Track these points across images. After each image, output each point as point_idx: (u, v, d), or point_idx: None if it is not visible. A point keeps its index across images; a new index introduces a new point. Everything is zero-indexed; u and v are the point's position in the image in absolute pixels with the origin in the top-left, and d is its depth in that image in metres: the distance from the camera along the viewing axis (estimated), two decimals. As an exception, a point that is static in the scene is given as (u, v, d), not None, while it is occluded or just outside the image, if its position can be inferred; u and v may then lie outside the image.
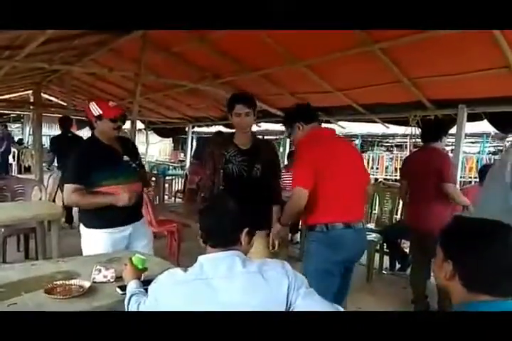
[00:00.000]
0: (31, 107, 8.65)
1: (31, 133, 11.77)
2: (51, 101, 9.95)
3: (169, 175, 8.93)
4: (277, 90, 4.83)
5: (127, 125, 5.11)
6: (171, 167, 10.12)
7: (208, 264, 1.21)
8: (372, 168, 11.28)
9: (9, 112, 12.95)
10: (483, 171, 3.64)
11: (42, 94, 8.57)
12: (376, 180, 9.07)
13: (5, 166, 11.10)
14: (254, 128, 7.16)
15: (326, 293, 2.14)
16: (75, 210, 5.80)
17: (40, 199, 4.12)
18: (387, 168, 11.93)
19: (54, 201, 4.68)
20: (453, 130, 4.03)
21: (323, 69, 4.02)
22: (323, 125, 2.85)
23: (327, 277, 2.16)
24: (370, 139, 12.79)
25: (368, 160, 11.32)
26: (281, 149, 6.48)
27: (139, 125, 8.15)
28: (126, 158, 2.38)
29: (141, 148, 4.52)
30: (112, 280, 1.72)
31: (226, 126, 7.77)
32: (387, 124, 5.21)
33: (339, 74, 4.12)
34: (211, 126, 8.37)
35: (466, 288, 1.00)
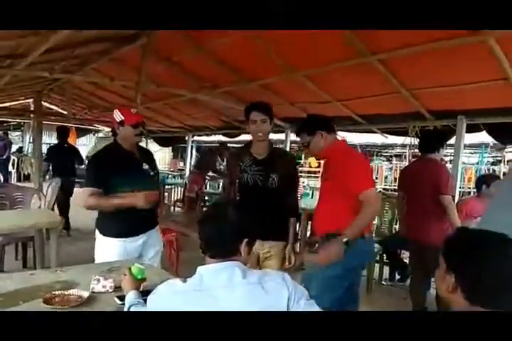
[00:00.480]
0: (32, 115, 8.67)
1: (31, 141, 11.77)
2: (52, 109, 9.99)
3: (168, 184, 8.93)
4: (276, 100, 4.85)
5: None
6: (170, 176, 10.12)
7: (208, 275, 1.20)
8: (371, 177, 11.26)
9: (10, 120, 12.97)
10: (481, 181, 3.66)
11: (42, 102, 8.61)
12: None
13: (5, 174, 11.13)
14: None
15: (340, 299, 2.14)
16: (72, 215, 5.81)
17: (40, 207, 4.11)
18: (386, 177, 11.95)
19: (53, 209, 4.67)
20: (452, 141, 4.05)
21: (322, 80, 4.05)
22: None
23: (339, 284, 2.16)
24: (369, 149, 12.83)
25: (367, 170, 11.30)
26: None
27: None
28: (145, 166, 2.44)
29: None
30: (110, 290, 1.71)
31: (225, 135, 7.79)
32: (386, 135, 5.23)
33: (338, 85, 4.15)
34: (211, 135, 8.40)
35: (468, 300, 0.99)
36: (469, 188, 8.81)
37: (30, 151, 12.87)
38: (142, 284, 1.64)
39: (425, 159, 3.23)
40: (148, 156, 2.55)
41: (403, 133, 4.55)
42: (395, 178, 10.93)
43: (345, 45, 3.14)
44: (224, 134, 7.85)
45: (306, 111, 4.85)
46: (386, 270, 4.31)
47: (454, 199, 3.55)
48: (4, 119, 12.02)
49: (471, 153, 10.87)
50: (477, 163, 10.45)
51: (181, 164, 12.70)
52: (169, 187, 8.93)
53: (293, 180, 2.53)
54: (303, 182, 8.48)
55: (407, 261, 4.20)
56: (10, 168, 12.15)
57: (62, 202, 5.56)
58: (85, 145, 13.30)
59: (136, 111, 2.45)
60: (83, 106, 8.96)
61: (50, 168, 5.92)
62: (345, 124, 5.09)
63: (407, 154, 10.80)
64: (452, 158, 4.51)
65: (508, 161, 10.97)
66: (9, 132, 14.12)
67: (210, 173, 7.32)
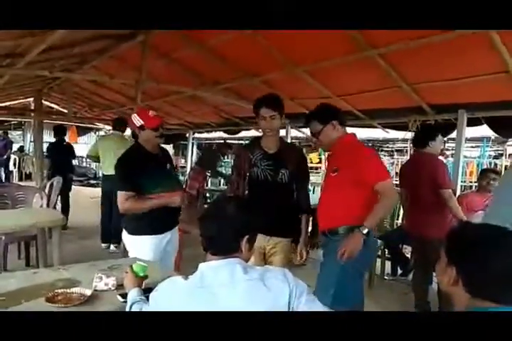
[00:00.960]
0: (32, 114, 8.67)
1: (32, 140, 11.78)
2: (52, 108, 10.00)
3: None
4: (277, 96, 4.84)
5: (128, 131, 5.16)
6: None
7: (209, 272, 1.20)
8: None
9: (10, 119, 12.99)
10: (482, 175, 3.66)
11: (43, 101, 8.61)
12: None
13: (7, 173, 11.17)
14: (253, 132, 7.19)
15: (347, 292, 2.13)
16: (74, 214, 5.83)
17: (41, 206, 4.12)
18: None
19: (55, 208, 4.68)
20: (453, 134, 4.04)
21: (323, 75, 4.04)
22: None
23: (351, 276, 2.15)
24: (370, 144, 12.80)
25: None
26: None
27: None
28: (168, 165, 2.53)
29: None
30: (113, 288, 1.71)
31: (226, 132, 7.79)
32: (387, 129, 5.22)
33: (338, 80, 4.13)
34: (211, 132, 8.39)
35: (469, 293, 0.99)
36: (471, 182, 8.79)
37: (32, 150, 12.90)
38: (144, 282, 1.65)
39: (420, 154, 3.22)
40: (168, 156, 2.63)
41: (404, 127, 4.54)
42: (397, 173, 10.92)
43: (346, 40, 3.12)
44: (224, 131, 7.83)
45: (306, 107, 4.84)
46: (388, 265, 4.31)
47: (455, 193, 3.55)
48: (5, 119, 12.03)
49: (472, 146, 10.84)
50: (479, 157, 10.41)
51: (182, 161, 12.69)
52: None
53: (303, 175, 2.50)
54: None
55: (408, 255, 4.21)
56: (11, 167, 12.17)
57: (62, 198, 5.66)
58: (86, 144, 13.30)
59: (154, 113, 2.43)
60: (83, 104, 8.96)
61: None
62: (346, 119, 5.07)
63: (408, 149, 10.78)
64: (454, 151, 4.50)
65: (509, 155, 10.95)
66: (10, 131, 14.15)
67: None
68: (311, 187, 6.89)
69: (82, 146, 13.72)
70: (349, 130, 2.43)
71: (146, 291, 1.46)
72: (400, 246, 4.31)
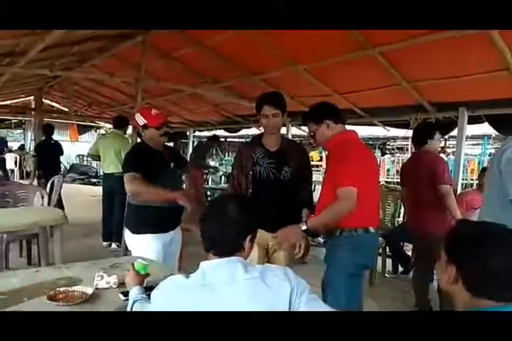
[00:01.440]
0: (33, 113, 8.68)
1: (33, 138, 11.78)
2: (52, 106, 10.00)
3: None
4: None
5: (129, 130, 5.17)
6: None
7: (210, 271, 1.20)
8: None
9: (11, 118, 12.99)
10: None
11: (43, 99, 8.62)
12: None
13: (5, 172, 11.18)
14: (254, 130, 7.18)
15: (356, 296, 2.16)
16: (74, 211, 5.83)
17: (42, 204, 4.12)
18: (388, 170, 11.92)
19: (55, 206, 4.69)
20: (454, 132, 4.04)
21: (323, 73, 4.04)
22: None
23: (357, 280, 2.16)
24: (371, 142, 12.79)
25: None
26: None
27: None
28: (172, 165, 2.50)
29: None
30: (114, 286, 1.72)
31: (226, 130, 7.79)
32: (387, 127, 5.22)
33: (339, 78, 4.13)
34: (212, 130, 8.39)
35: (469, 292, 0.99)
36: (472, 180, 8.79)
37: (32, 149, 12.91)
38: (145, 279, 1.65)
39: (419, 152, 3.23)
40: (174, 154, 2.61)
41: (405, 125, 4.54)
42: (397, 171, 10.92)
43: (346, 38, 3.12)
44: (225, 129, 7.84)
45: (306, 105, 4.84)
46: (389, 262, 4.31)
47: (456, 191, 3.55)
48: (6, 117, 12.03)
49: (473, 144, 10.84)
50: (480, 155, 10.41)
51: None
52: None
53: (306, 171, 2.48)
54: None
55: (409, 253, 4.21)
56: (12, 165, 12.18)
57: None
58: (87, 142, 13.29)
59: (157, 112, 2.42)
60: (84, 102, 8.96)
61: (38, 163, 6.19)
62: (347, 117, 5.07)
63: (409, 147, 10.77)
64: (455, 149, 4.50)
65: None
66: (11, 130, 14.16)
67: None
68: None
69: (83, 144, 13.73)
70: (349, 128, 2.40)
71: (148, 289, 1.46)
72: (401, 244, 4.32)
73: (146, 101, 6.56)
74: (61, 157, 6.32)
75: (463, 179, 6.66)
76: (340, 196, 1.99)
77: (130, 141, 4.80)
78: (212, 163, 8.22)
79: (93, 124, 11.99)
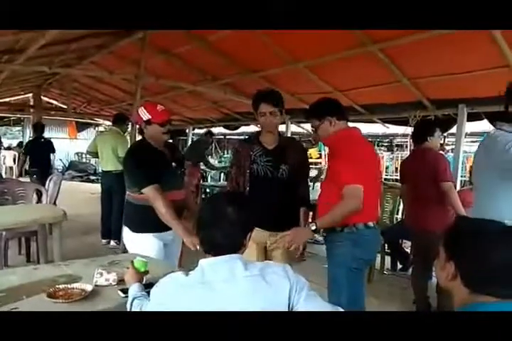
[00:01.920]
0: (31, 110, 8.66)
1: (31, 136, 11.77)
2: (51, 104, 9.98)
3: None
4: (277, 91, 4.83)
5: (128, 128, 5.16)
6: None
7: (210, 268, 1.20)
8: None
9: (10, 115, 12.96)
10: None
11: (42, 97, 8.60)
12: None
13: None
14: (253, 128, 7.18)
15: (359, 292, 2.16)
16: (73, 209, 5.83)
17: (40, 202, 4.12)
18: (387, 168, 11.91)
19: (55, 204, 4.68)
20: (453, 129, 4.03)
21: (323, 70, 4.03)
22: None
23: (359, 275, 2.17)
24: (370, 139, 12.77)
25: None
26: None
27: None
28: (174, 164, 2.40)
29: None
30: (114, 283, 1.71)
31: (226, 127, 7.78)
32: (387, 124, 5.22)
33: (339, 75, 4.12)
34: (211, 127, 8.38)
35: (468, 289, 1.00)
36: (470, 177, 8.77)
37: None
38: (145, 277, 1.65)
39: (420, 149, 3.22)
40: (175, 153, 2.52)
41: (404, 122, 4.54)
42: (396, 168, 10.92)
43: (346, 35, 3.11)
44: (224, 126, 7.83)
45: (306, 102, 4.83)
46: (388, 259, 4.32)
47: (455, 187, 3.55)
48: (4, 115, 12.00)
49: (472, 141, 10.82)
50: (479, 152, 10.39)
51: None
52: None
53: (303, 169, 2.46)
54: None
55: (408, 250, 4.22)
56: (11, 163, 12.17)
57: None
58: (86, 140, 13.27)
59: (162, 107, 2.32)
60: (83, 100, 8.95)
61: (28, 161, 6.25)
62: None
63: (409, 144, 10.77)
64: (454, 146, 4.50)
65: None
66: (9, 127, 14.13)
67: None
68: (310, 183, 6.89)
69: (82, 142, 13.72)
70: (349, 125, 2.38)
71: (147, 287, 1.46)
72: (400, 241, 4.33)
73: (146, 99, 6.55)
74: (52, 155, 6.32)
75: (461, 176, 6.65)
76: (346, 194, 1.99)
77: (128, 138, 4.79)
78: (211, 161, 8.21)
79: (92, 122, 11.98)
